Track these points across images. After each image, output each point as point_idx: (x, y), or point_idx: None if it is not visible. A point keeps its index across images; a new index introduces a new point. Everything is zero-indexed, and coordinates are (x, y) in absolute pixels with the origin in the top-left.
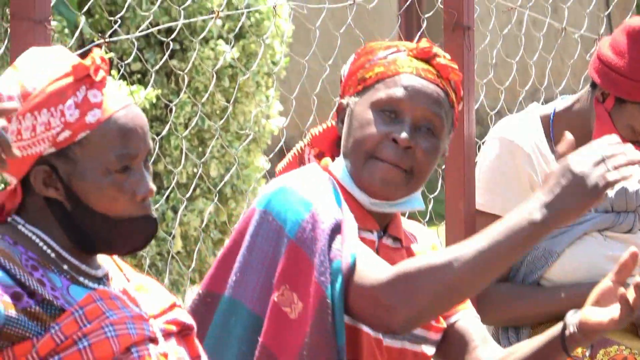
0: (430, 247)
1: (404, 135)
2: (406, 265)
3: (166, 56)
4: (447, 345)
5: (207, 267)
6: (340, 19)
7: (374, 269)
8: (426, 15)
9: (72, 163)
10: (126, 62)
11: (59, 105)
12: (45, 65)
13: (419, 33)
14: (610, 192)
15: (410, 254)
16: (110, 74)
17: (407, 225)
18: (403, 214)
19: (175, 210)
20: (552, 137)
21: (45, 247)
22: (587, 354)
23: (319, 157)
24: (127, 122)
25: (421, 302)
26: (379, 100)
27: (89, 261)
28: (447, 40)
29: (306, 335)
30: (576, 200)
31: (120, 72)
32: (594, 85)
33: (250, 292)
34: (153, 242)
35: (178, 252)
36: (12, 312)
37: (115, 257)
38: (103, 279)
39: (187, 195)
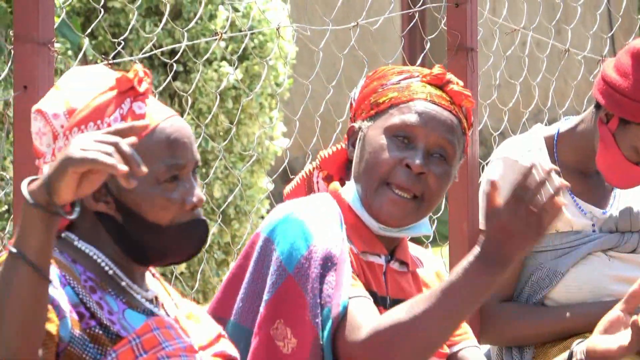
0: (435, 272)
1: (417, 161)
2: (379, 323)
3: (170, 78)
4: None
5: (211, 288)
6: (343, 40)
7: (353, 328)
8: (429, 37)
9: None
10: None
11: (104, 118)
12: (88, 82)
13: (422, 55)
14: (615, 213)
15: (415, 278)
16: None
17: (413, 249)
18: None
19: None
20: (556, 158)
21: (103, 264)
22: None
23: (327, 180)
24: (173, 132)
25: (402, 357)
26: (392, 125)
27: (140, 281)
28: (450, 61)
29: None
30: (516, 249)
31: None
32: (598, 107)
33: (257, 318)
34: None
35: (181, 273)
36: (77, 331)
37: (164, 281)
38: (154, 303)
39: None
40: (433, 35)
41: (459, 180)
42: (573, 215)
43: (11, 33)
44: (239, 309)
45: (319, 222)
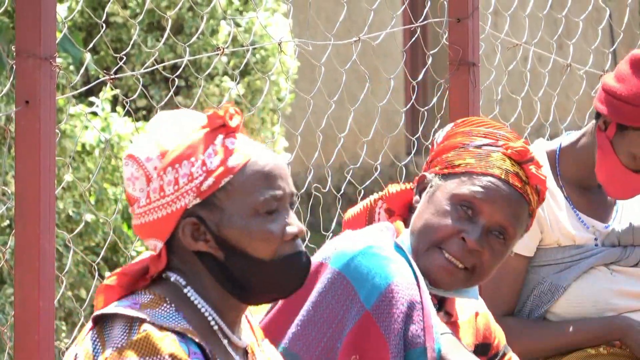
0: (473, 315)
1: (474, 237)
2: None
3: (171, 93)
4: None
5: None
6: (345, 55)
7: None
8: (431, 52)
9: (219, 211)
10: (131, 98)
11: (198, 154)
12: (178, 123)
13: (424, 70)
14: (617, 227)
15: (456, 327)
16: (115, 110)
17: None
18: None
19: None
20: (559, 173)
21: (210, 318)
22: None
23: (388, 212)
24: (267, 163)
25: None
26: (460, 194)
27: (236, 328)
28: (452, 76)
29: None
30: None
31: (126, 109)
32: (597, 117)
33: (312, 349)
34: None
35: None
36: None
37: (253, 320)
38: (246, 356)
39: None
40: (435, 50)
41: None
42: (575, 229)
43: (13, 48)
44: (291, 335)
45: (398, 260)
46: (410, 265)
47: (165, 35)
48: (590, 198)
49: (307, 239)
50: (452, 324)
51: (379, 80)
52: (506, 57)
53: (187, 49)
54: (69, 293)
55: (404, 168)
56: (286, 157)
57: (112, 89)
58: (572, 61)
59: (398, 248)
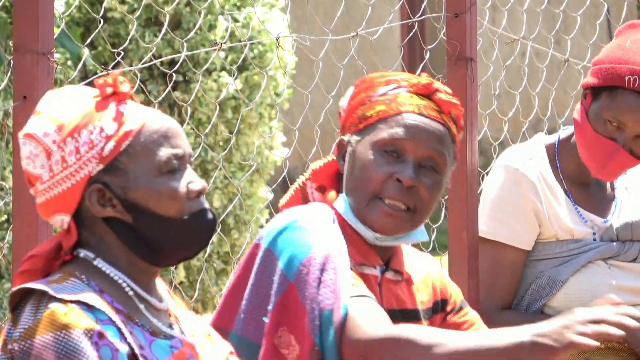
0: (424, 275)
1: (407, 175)
2: (399, 331)
3: (169, 88)
4: None
5: (210, 297)
6: (343, 50)
7: (367, 323)
8: (429, 47)
9: (123, 174)
10: None
11: (95, 122)
12: (68, 97)
13: (422, 65)
14: (615, 222)
15: (409, 285)
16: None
17: (410, 254)
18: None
19: None
20: (558, 167)
21: (124, 285)
22: None
23: (321, 190)
24: (164, 124)
25: None
26: (381, 140)
27: (152, 291)
28: (450, 71)
29: None
30: (552, 342)
31: None
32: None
33: (260, 329)
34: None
35: (181, 282)
36: None
37: (177, 298)
38: (169, 318)
39: None
40: (432, 45)
41: (458, 190)
42: (574, 223)
43: (11, 43)
44: (240, 321)
45: (319, 230)
46: (339, 234)
47: (163, 31)
48: (589, 192)
49: None
50: (406, 282)
51: None
52: (504, 52)
53: (185, 44)
54: None
55: None
56: (284, 151)
57: None
58: (569, 56)
59: (332, 218)
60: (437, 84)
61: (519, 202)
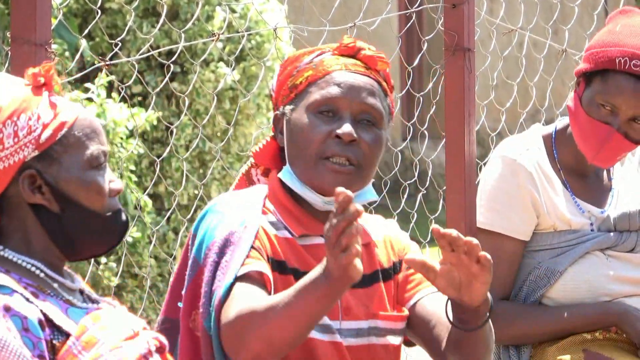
0: (383, 238)
1: (346, 129)
2: (242, 308)
3: (167, 79)
4: (414, 328)
5: None
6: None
7: (229, 307)
8: (427, 38)
9: (56, 163)
10: (127, 84)
11: (33, 108)
12: (2, 82)
13: (420, 55)
14: (613, 213)
15: (369, 250)
16: (110, 96)
17: (363, 220)
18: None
19: (176, 232)
20: (556, 157)
21: (33, 269)
22: None
23: (266, 174)
24: (92, 120)
25: (251, 348)
26: (314, 102)
27: (64, 274)
28: (447, 62)
29: None
30: (335, 268)
31: (121, 95)
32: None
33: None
34: (154, 263)
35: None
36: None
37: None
38: (83, 296)
39: (188, 217)
40: (430, 36)
41: (456, 181)
42: (571, 214)
43: (8, 34)
44: (168, 303)
45: (233, 213)
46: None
47: (161, 22)
48: (587, 183)
49: None
50: (365, 247)
51: None
52: (502, 42)
53: (183, 35)
54: None
55: (399, 153)
56: None
57: (107, 75)
58: (567, 46)
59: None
60: (360, 43)
61: (516, 193)
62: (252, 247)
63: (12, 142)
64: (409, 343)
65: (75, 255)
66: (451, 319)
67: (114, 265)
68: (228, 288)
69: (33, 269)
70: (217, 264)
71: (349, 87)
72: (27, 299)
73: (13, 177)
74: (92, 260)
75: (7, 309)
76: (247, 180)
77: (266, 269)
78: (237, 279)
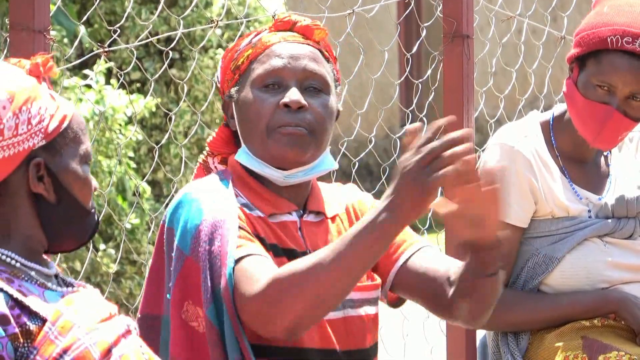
0: (347, 206)
1: (293, 97)
2: (279, 273)
3: (165, 65)
4: (409, 287)
5: None
6: (339, 27)
7: (250, 281)
8: (425, 24)
9: (58, 155)
10: (125, 71)
11: (41, 98)
12: (3, 69)
13: (419, 42)
14: (610, 199)
15: (335, 219)
16: (109, 83)
17: (329, 191)
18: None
19: None
20: (554, 143)
21: (8, 259)
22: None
23: (223, 163)
24: (82, 119)
25: (293, 311)
26: (258, 77)
27: (41, 261)
28: (446, 48)
29: (209, 349)
30: (410, 198)
31: (120, 82)
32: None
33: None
34: (153, 249)
35: None
36: (18, 342)
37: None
38: (60, 278)
39: None
40: (429, 23)
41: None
42: (569, 200)
43: (7, 21)
44: (166, 302)
45: (209, 197)
46: (232, 197)
47: (160, 8)
48: (585, 169)
49: None
50: (331, 219)
51: (373, 53)
52: (500, 29)
53: (181, 21)
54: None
55: (398, 140)
56: None
57: (106, 62)
58: (566, 33)
59: (225, 181)
60: (295, 17)
61: (514, 180)
62: (240, 227)
63: (25, 129)
64: (396, 303)
65: (55, 247)
66: (464, 266)
67: (112, 251)
68: (232, 272)
69: (8, 259)
70: (209, 252)
71: (290, 56)
72: None
73: (20, 164)
74: (91, 246)
75: None
76: (205, 170)
77: (261, 247)
78: (238, 261)
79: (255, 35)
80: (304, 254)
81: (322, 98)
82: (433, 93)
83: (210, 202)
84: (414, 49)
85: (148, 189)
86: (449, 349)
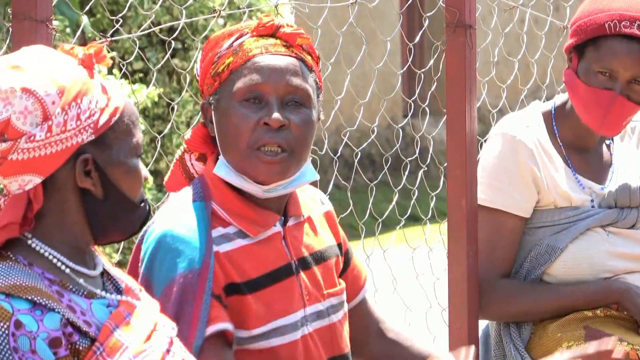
0: (334, 213)
1: (274, 116)
2: None
3: (168, 55)
4: (351, 322)
5: None
6: (342, 18)
7: None
8: (428, 14)
9: (108, 149)
10: (128, 61)
11: (92, 91)
12: (57, 60)
13: (421, 32)
14: (613, 189)
15: (312, 225)
16: (112, 73)
17: (306, 192)
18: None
19: None
20: (556, 133)
21: (59, 264)
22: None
23: (201, 159)
24: (134, 108)
25: None
26: (238, 91)
27: (86, 261)
28: (448, 38)
29: None
30: None
31: (122, 71)
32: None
33: None
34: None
35: None
36: None
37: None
38: (107, 287)
39: None
40: (431, 13)
41: (457, 157)
42: (572, 190)
43: (9, 11)
44: None
45: (184, 247)
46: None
47: None
48: (587, 159)
49: None
50: (308, 221)
51: (375, 43)
52: (503, 19)
53: (184, 11)
54: None
55: (400, 130)
56: None
57: (108, 52)
58: (568, 23)
59: (201, 201)
60: (278, 21)
61: (516, 170)
62: (212, 295)
63: (74, 125)
64: None
65: (102, 240)
66: None
67: None
68: (199, 349)
69: (58, 263)
70: (177, 316)
71: (272, 71)
72: (50, 308)
73: (68, 159)
74: None
75: (17, 325)
76: (182, 166)
77: (228, 324)
78: (206, 338)
79: (237, 39)
80: (289, 267)
81: (303, 113)
82: (435, 83)
83: (185, 254)
84: (417, 39)
85: (150, 178)
86: (451, 339)
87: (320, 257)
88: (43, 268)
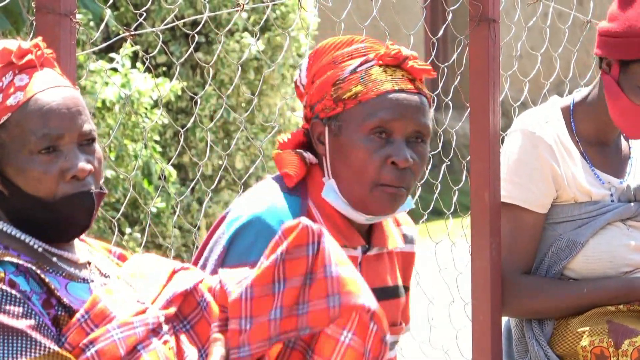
0: (414, 254)
1: (402, 157)
2: None
3: (191, 49)
4: None
5: None
6: (365, 11)
7: None
8: (451, 8)
9: (1, 148)
10: (151, 54)
11: None
12: None
13: (444, 26)
14: (632, 182)
15: (390, 256)
16: (135, 66)
17: (402, 226)
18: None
19: (200, 202)
20: (574, 129)
21: (32, 243)
22: (612, 344)
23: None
24: (48, 102)
25: None
26: (368, 124)
27: (68, 249)
28: (472, 33)
29: None
30: None
31: (146, 65)
32: (600, 64)
33: None
34: (178, 233)
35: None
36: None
37: (95, 243)
38: (88, 268)
39: (212, 187)
40: (455, 7)
41: (480, 151)
42: (591, 185)
43: (33, 4)
44: None
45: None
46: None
47: None
48: (605, 153)
49: None
50: (388, 255)
51: (398, 37)
52: (526, 13)
53: (207, 5)
54: None
55: None
56: None
57: (132, 45)
58: (592, 17)
59: (293, 198)
60: (405, 51)
61: (536, 166)
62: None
63: None
64: None
65: (46, 239)
66: None
67: (138, 235)
68: None
69: (32, 242)
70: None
71: (403, 110)
72: (31, 275)
73: None
74: (116, 230)
75: (11, 285)
76: (302, 160)
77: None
78: None
79: (361, 64)
80: None
81: (423, 149)
82: (459, 77)
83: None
84: (440, 33)
85: (174, 172)
86: (474, 334)
87: (391, 293)
88: (19, 250)
